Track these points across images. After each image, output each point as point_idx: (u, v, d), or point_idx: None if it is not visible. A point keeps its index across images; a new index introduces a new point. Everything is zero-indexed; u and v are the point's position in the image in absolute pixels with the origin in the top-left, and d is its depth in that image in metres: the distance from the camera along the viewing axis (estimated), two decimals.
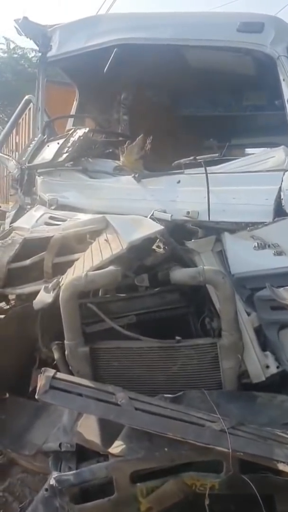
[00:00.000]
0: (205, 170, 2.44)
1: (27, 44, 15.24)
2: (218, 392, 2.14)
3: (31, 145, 3.29)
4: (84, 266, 2.21)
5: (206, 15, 3.26)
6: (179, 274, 2.17)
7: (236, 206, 2.43)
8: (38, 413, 2.33)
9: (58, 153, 2.95)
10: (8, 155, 3.96)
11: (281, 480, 1.76)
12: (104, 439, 1.94)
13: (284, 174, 2.41)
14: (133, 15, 3.15)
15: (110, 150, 3.31)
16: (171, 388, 2.14)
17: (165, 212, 2.48)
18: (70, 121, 3.71)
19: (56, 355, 2.32)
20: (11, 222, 3.19)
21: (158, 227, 2.30)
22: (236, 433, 1.81)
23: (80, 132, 3.01)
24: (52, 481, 1.85)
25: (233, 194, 2.46)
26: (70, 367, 2.22)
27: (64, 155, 2.92)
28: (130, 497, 1.83)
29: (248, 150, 4.57)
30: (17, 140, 7.32)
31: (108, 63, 2.91)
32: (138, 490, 1.83)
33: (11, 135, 6.17)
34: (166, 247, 2.33)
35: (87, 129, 3.09)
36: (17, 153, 6.24)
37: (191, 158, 2.55)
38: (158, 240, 2.36)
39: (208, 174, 2.43)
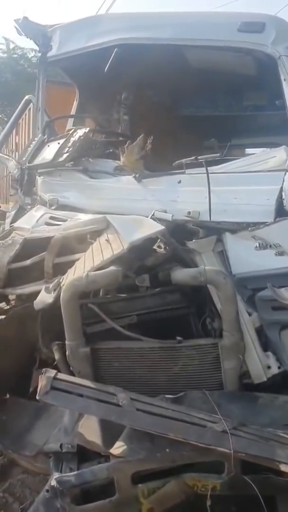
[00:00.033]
0: (206, 170, 2.44)
1: (27, 44, 15.30)
2: (219, 392, 2.14)
3: (31, 145, 3.29)
4: (85, 266, 2.20)
5: (207, 15, 3.26)
6: (180, 275, 2.16)
7: (237, 206, 2.43)
8: (38, 414, 2.33)
9: (59, 153, 2.95)
10: (8, 155, 3.95)
11: (283, 481, 1.75)
12: (105, 440, 1.94)
13: (285, 174, 2.40)
14: (133, 15, 3.15)
15: (111, 150, 3.31)
16: (172, 389, 2.13)
17: (166, 212, 2.48)
18: (70, 121, 3.71)
19: (56, 356, 2.31)
20: (11, 222, 3.18)
21: (159, 227, 2.30)
22: (238, 434, 1.81)
23: (80, 132, 3.01)
24: (53, 482, 1.84)
25: (234, 194, 2.46)
26: (71, 368, 2.22)
27: (65, 155, 2.91)
28: (131, 498, 1.83)
29: (249, 150, 4.57)
30: (17, 140, 7.31)
31: (109, 63, 2.91)
32: (139, 491, 1.82)
33: (11, 135, 6.15)
34: (167, 247, 2.33)
35: (88, 129, 3.08)
36: (17, 153, 6.24)
37: (192, 158, 2.54)
38: (159, 240, 2.36)
39: (209, 174, 2.43)
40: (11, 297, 2.67)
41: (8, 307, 2.64)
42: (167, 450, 1.82)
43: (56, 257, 2.47)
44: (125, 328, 2.19)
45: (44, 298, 2.28)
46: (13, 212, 3.33)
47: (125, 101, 3.68)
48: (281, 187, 2.38)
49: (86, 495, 1.87)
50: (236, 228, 2.41)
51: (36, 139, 3.31)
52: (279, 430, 1.90)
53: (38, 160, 3.14)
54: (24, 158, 3.26)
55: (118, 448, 1.87)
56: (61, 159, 2.92)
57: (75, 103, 3.74)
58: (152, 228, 2.30)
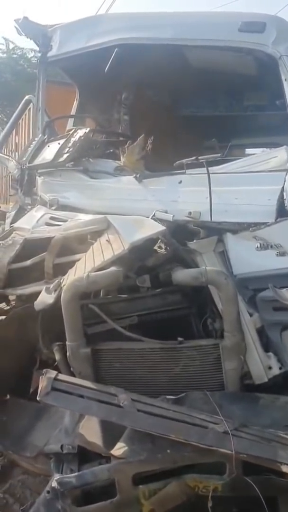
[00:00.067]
0: (207, 170, 2.43)
1: (27, 44, 15.30)
2: (220, 393, 2.13)
3: (31, 145, 3.28)
4: (85, 266, 2.20)
5: (207, 15, 3.26)
6: (181, 275, 2.16)
7: (238, 206, 2.43)
8: (39, 415, 2.32)
9: (59, 153, 2.94)
10: (8, 155, 3.95)
11: (285, 482, 1.75)
12: (106, 441, 1.93)
13: (286, 174, 2.40)
14: (133, 15, 3.15)
15: (111, 150, 3.31)
16: (173, 390, 2.13)
17: (166, 212, 2.47)
18: (71, 121, 3.71)
19: (57, 356, 2.30)
20: (12, 223, 3.18)
21: (160, 227, 2.29)
22: (239, 435, 1.80)
23: (80, 132, 3.00)
24: (54, 483, 1.84)
25: (235, 194, 2.45)
26: (71, 369, 2.21)
27: (65, 155, 2.91)
28: (132, 499, 1.82)
29: (249, 151, 4.57)
30: (17, 140, 7.31)
31: (109, 63, 2.91)
32: (140, 492, 1.82)
33: (11, 135, 6.15)
34: (168, 248, 2.33)
35: (88, 129, 3.08)
36: (17, 153, 6.23)
37: (193, 158, 2.54)
38: (159, 240, 2.35)
39: (210, 174, 2.42)
40: (11, 297, 2.66)
41: (9, 307, 2.63)
42: (168, 451, 1.81)
43: (57, 258, 2.47)
44: (126, 329, 2.19)
45: (45, 298, 2.27)
46: (13, 213, 3.33)
47: (125, 101, 3.67)
48: (282, 187, 2.37)
49: (87, 496, 1.87)
50: (237, 228, 2.40)
51: (36, 139, 3.31)
52: (281, 431, 1.89)
53: (38, 160, 3.13)
54: (24, 158, 3.25)
55: (119, 449, 1.86)
56: (61, 159, 2.92)
57: (75, 103, 3.74)
58: (153, 228, 2.30)
